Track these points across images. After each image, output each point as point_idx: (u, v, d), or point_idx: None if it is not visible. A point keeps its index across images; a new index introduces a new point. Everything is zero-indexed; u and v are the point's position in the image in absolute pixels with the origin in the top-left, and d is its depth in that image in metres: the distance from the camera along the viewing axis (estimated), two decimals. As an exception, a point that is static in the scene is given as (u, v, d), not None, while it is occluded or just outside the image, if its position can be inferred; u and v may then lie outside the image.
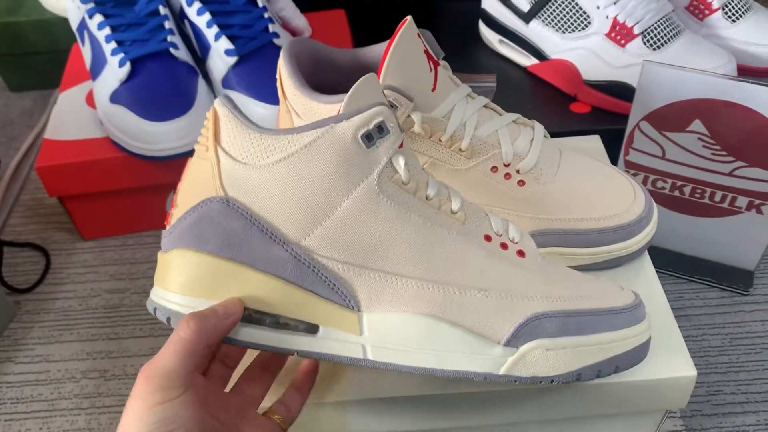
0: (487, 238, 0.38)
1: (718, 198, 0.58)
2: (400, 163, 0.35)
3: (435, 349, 0.36)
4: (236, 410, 0.37)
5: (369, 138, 0.34)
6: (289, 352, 0.36)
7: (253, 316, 0.36)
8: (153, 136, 0.60)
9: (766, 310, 0.60)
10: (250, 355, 0.40)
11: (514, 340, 0.36)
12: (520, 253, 0.38)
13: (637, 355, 0.38)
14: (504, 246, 0.38)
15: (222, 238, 0.34)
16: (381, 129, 0.35)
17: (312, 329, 0.36)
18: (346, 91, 0.45)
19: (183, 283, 0.35)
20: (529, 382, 0.37)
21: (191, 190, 0.36)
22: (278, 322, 0.36)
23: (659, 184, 0.59)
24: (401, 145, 0.36)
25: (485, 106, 0.48)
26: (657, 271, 0.61)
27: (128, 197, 0.67)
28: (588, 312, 0.37)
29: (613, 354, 0.37)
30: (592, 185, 0.47)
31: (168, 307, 0.35)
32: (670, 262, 0.62)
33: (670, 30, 0.63)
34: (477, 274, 0.36)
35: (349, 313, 0.35)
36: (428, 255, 0.35)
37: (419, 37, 0.46)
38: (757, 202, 0.56)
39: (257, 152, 0.34)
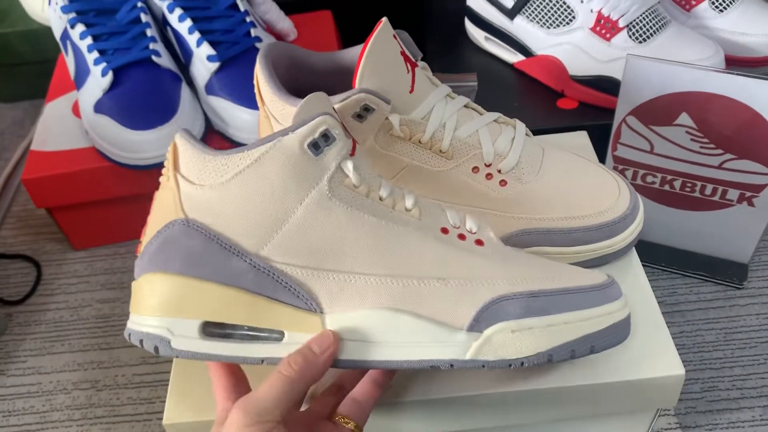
0: (444, 230, 0.38)
1: (708, 191, 0.57)
2: (349, 167, 0.37)
3: (399, 342, 0.36)
4: (307, 425, 0.38)
5: (316, 146, 0.36)
6: (256, 361, 0.37)
7: (216, 331, 0.37)
8: (137, 145, 0.59)
9: (761, 304, 0.59)
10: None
11: (477, 324, 0.36)
12: (479, 242, 0.38)
13: (615, 334, 0.37)
14: (462, 237, 0.38)
15: (184, 257, 0.36)
16: (326, 137, 0.36)
17: (278, 336, 0.37)
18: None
19: (153, 305, 0.36)
20: (499, 366, 0.36)
21: (156, 218, 0.38)
22: (244, 333, 0.37)
23: (649, 178, 0.58)
24: (353, 152, 0.38)
25: (465, 106, 0.47)
26: (650, 267, 0.61)
27: (117, 206, 0.67)
28: (554, 291, 0.37)
29: (584, 333, 0.36)
30: (575, 183, 0.47)
31: (140, 330, 0.37)
32: (662, 257, 0.62)
33: (656, 22, 0.62)
34: (435, 265, 0.37)
35: (312, 316, 0.36)
36: (385, 251, 0.36)
37: (395, 38, 0.45)
38: (748, 194, 0.56)
39: (212, 173, 0.36)
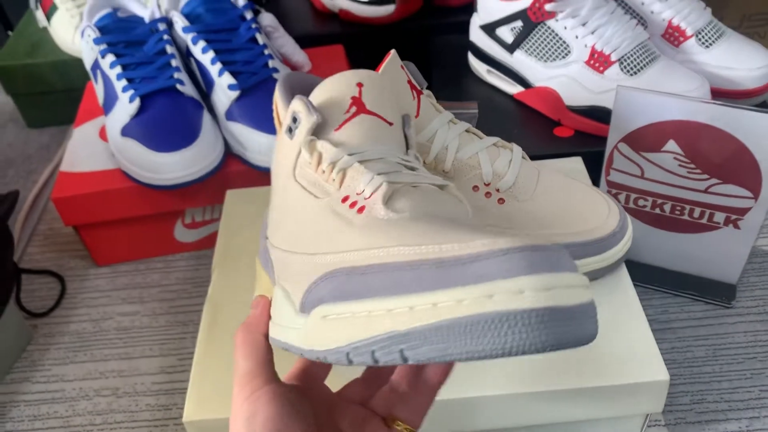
0: (345, 200, 0.34)
1: (696, 214, 0.60)
2: (307, 146, 0.37)
3: (280, 323, 0.35)
4: (348, 416, 0.36)
5: (289, 130, 0.39)
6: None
7: None
8: (161, 167, 0.64)
9: (749, 322, 0.62)
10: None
11: (304, 306, 0.31)
12: (360, 210, 0.33)
13: (465, 336, 0.23)
14: (360, 209, 0.33)
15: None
16: (295, 119, 0.38)
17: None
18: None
19: None
20: (317, 359, 0.30)
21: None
22: None
23: (640, 202, 0.62)
24: (315, 132, 0.38)
25: (467, 131, 0.52)
26: (643, 287, 0.64)
27: (139, 225, 0.71)
28: (388, 267, 0.27)
29: (392, 329, 0.25)
30: (568, 202, 0.50)
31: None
32: (655, 278, 0.65)
33: (646, 56, 0.66)
34: (315, 240, 0.33)
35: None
36: (303, 229, 0.35)
37: (403, 68, 0.50)
38: (733, 217, 0.59)
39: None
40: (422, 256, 0.26)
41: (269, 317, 0.37)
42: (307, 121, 0.37)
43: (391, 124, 0.39)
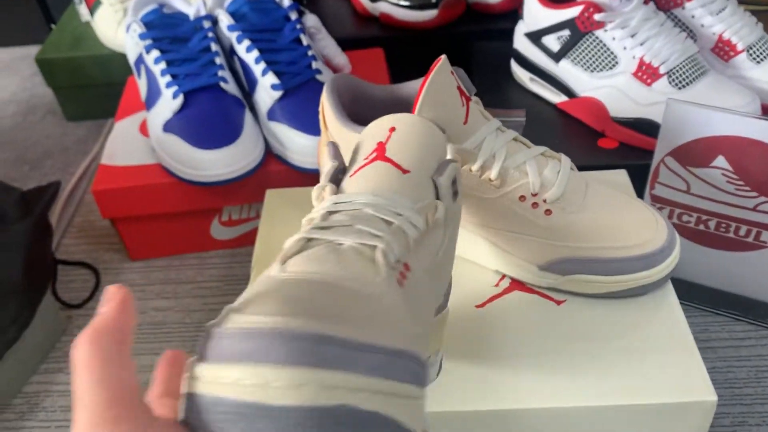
0: None
1: (742, 232, 0.59)
2: (315, 193, 0.38)
3: None
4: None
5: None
6: None
7: None
8: (202, 163, 0.64)
9: (792, 344, 0.61)
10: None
11: None
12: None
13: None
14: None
15: None
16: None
17: None
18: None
19: None
20: None
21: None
22: None
23: (684, 218, 0.61)
24: None
25: (514, 139, 0.51)
26: (683, 304, 0.63)
27: (175, 221, 0.72)
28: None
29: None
30: (616, 215, 0.50)
31: None
32: (695, 296, 0.63)
33: (695, 70, 0.65)
34: None
35: None
36: None
37: (452, 74, 0.49)
38: (781, 237, 0.58)
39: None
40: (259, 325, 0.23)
41: (130, 317, 0.26)
42: (326, 167, 0.38)
43: (406, 171, 0.36)
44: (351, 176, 0.37)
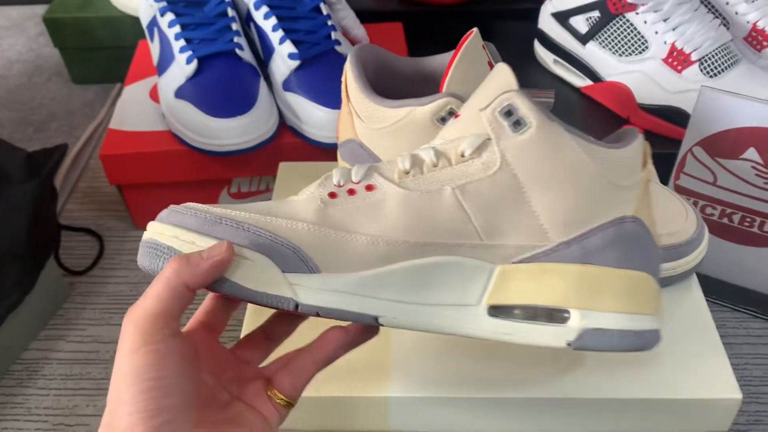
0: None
1: (767, 228, 0.58)
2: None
3: None
4: (235, 374, 0.36)
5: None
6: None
7: None
8: (214, 132, 0.62)
9: (811, 344, 0.60)
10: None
11: None
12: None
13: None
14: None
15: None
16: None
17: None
18: (407, 97, 0.47)
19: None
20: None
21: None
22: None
23: (708, 210, 0.59)
24: None
25: (543, 120, 0.49)
26: (701, 298, 0.62)
27: (184, 190, 0.70)
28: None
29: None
30: (645, 204, 0.48)
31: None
32: (714, 290, 0.62)
33: (728, 58, 0.63)
34: None
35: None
36: None
37: (484, 48, 0.47)
38: (807, 234, 0.56)
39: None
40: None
41: (219, 275, 0.33)
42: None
43: (457, 116, 0.41)
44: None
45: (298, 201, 0.36)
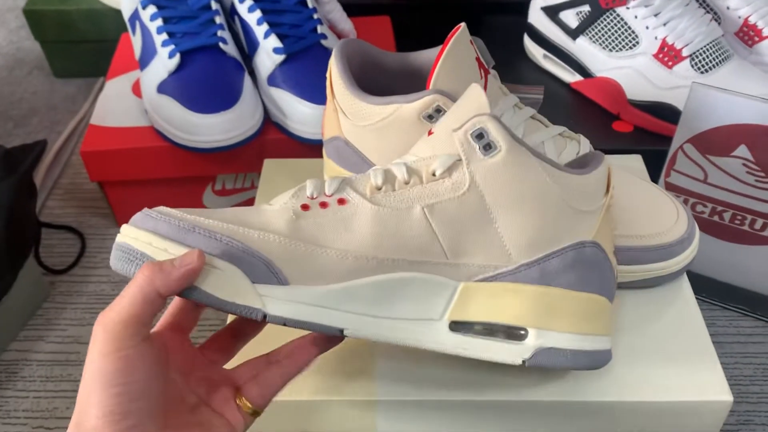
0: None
1: (758, 226, 0.57)
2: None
3: None
4: (204, 374, 0.37)
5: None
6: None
7: None
8: (198, 128, 0.60)
9: (801, 343, 0.59)
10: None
11: None
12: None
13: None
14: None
15: None
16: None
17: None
18: (394, 93, 0.46)
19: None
20: None
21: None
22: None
23: (699, 208, 0.59)
24: None
25: (532, 117, 0.48)
26: (690, 296, 0.61)
27: (167, 187, 0.68)
28: None
29: None
30: (635, 203, 0.47)
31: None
32: (703, 288, 0.62)
33: (719, 54, 0.63)
34: None
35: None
36: None
37: (472, 44, 0.46)
38: (798, 232, 0.56)
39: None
40: None
41: (190, 283, 0.33)
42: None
43: (430, 133, 0.41)
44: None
45: (271, 211, 0.36)
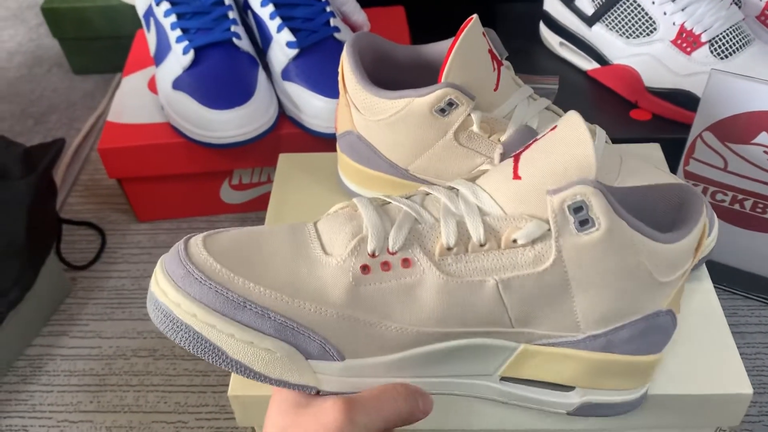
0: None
1: (780, 214, 0.56)
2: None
3: None
4: None
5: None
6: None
7: None
8: (213, 124, 0.61)
9: (825, 332, 0.58)
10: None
11: None
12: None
13: None
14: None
15: None
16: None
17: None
18: (407, 86, 0.46)
19: None
20: None
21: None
22: None
23: (719, 196, 0.58)
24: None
25: (547, 108, 0.48)
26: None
27: (184, 182, 0.69)
28: None
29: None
30: (652, 194, 0.46)
31: None
32: (725, 277, 0.61)
33: (740, 39, 0.61)
34: None
35: None
36: None
37: (484, 36, 0.46)
38: (821, 220, 0.55)
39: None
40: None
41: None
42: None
43: (517, 177, 0.39)
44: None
45: (328, 269, 0.34)
